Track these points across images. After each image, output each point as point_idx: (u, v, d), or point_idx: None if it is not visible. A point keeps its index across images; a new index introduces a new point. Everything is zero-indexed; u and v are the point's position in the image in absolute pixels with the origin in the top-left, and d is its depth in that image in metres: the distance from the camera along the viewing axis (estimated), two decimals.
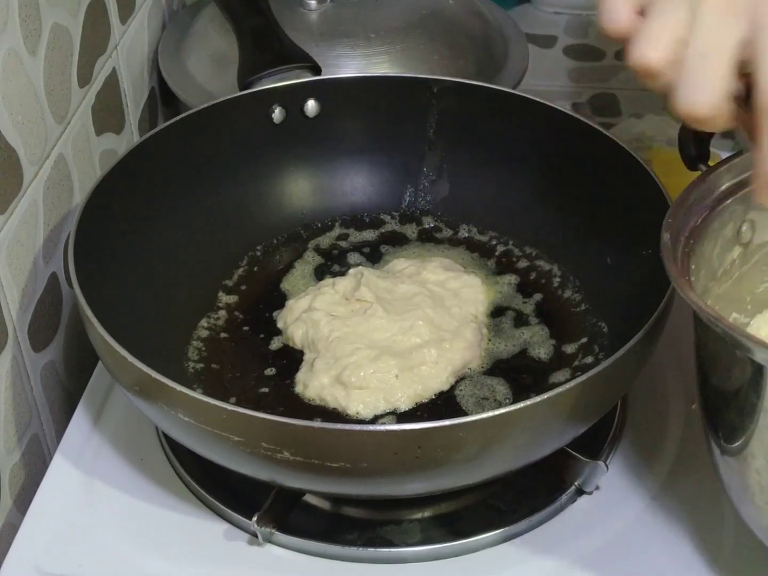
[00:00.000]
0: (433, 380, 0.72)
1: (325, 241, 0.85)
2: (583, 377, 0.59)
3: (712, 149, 1.24)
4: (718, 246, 0.62)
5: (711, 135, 0.66)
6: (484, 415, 0.57)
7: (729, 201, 0.62)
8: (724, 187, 0.62)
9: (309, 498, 0.69)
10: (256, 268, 0.83)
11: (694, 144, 0.67)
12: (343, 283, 0.78)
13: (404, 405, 0.71)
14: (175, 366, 0.73)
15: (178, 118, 0.80)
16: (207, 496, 0.69)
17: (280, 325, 0.78)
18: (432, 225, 0.86)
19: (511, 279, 0.81)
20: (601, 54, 1.31)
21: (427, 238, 0.86)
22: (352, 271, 0.79)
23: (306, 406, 0.71)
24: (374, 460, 0.58)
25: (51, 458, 0.72)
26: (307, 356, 0.75)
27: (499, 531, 0.66)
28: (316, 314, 0.75)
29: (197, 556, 0.66)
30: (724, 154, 1.17)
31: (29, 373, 0.76)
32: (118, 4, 0.90)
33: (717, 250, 0.62)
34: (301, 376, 0.73)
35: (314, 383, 0.72)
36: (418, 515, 0.69)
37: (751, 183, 0.56)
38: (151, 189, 0.78)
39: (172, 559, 0.66)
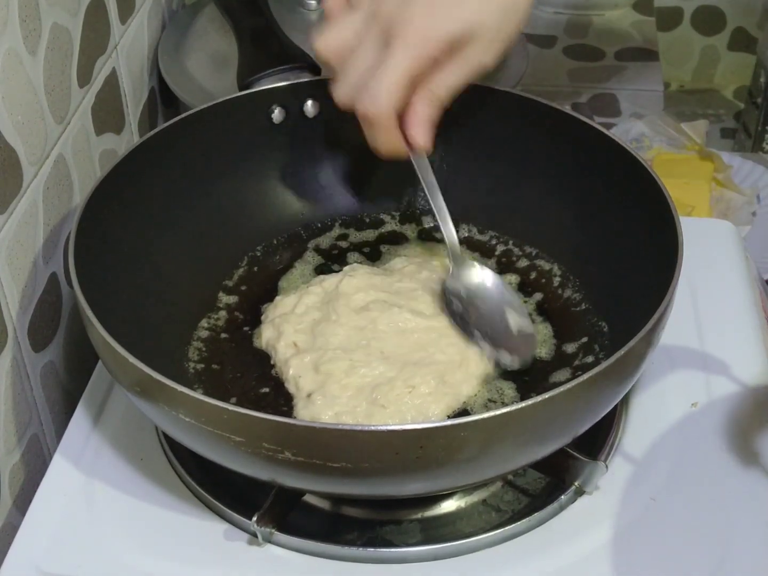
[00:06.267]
0: (463, 386, 0.70)
1: (325, 241, 0.85)
2: (584, 377, 0.59)
3: (711, 149, 1.24)
4: None
5: None
6: (485, 415, 0.57)
7: None
8: None
9: (309, 498, 0.70)
10: (256, 268, 0.83)
11: None
12: (333, 281, 0.76)
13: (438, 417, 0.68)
14: (175, 366, 0.73)
15: (178, 118, 0.80)
16: (207, 496, 0.69)
17: (262, 317, 0.77)
18: (432, 225, 0.86)
19: (512, 279, 0.81)
20: (601, 54, 1.31)
21: (427, 238, 0.85)
22: (346, 268, 0.79)
23: None
24: (376, 460, 0.58)
25: (51, 458, 0.72)
26: (296, 391, 0.70)
27: (499, 531, 0.66)
28: (285, 326, 0.73)
29: (197, 556, 0.66)
30: (725, 155, 1.17)
31: (29, 373, 0.76)
32: (118, 4, 0.90)
33: None
34: (304, 413, 0.68)
35: (327, 413, 0.68)
36: (418, 515, 0.69)
37: None
38: (151, 189, 0.78)
39: (172, 559, 0.66)
